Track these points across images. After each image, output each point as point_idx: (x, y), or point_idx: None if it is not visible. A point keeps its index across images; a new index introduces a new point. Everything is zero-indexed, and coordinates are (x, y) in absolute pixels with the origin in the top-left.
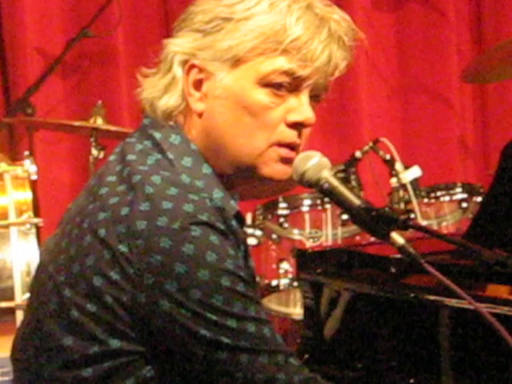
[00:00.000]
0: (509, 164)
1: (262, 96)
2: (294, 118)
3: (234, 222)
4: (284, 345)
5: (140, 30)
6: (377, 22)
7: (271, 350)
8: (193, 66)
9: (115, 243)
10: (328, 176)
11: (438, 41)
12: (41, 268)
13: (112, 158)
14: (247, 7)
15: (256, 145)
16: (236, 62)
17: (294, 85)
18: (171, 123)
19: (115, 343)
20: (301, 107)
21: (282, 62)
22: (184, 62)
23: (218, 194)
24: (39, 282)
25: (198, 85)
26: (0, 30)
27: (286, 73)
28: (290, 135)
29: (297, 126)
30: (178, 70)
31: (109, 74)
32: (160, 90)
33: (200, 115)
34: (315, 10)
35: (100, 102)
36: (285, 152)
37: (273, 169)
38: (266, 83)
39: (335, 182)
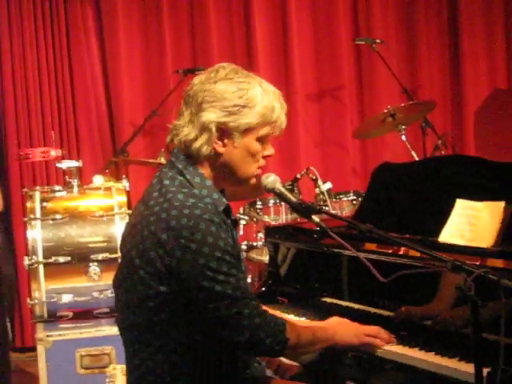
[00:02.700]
0: (374, 181)
1: (259, 146)
2: (268, 153)
3: (223, 216)
4: (251, 293)
5: None
6: (310, 108)
7: (243, 294)
8: (222, 129)
9: (160, 234)
10: (279, 186)
11: (339, 116)
12: (123, 242)
13: (154, 181)
14: (252, 98)
15: (251, 171)
16: (247, 129)
17: (269, 136)
18: (191, 158)
19: (162, 288)
20: (270, 148)
21: (269, 130)
22: (216, 125)
23: (215, 195)
24: (122, 251)
25: (220, 137)
26: (110, 111)
27: (270, 134)
28: (263, 162)
29: (266, 157)
30: (214, 131)
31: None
32: (194, 136)
33: (219, 155)
34: (278, 96)
35: (163, 149)
36: (259, 171)
37: (254, 180)
38: (260, 139)
39: (282, 189)
